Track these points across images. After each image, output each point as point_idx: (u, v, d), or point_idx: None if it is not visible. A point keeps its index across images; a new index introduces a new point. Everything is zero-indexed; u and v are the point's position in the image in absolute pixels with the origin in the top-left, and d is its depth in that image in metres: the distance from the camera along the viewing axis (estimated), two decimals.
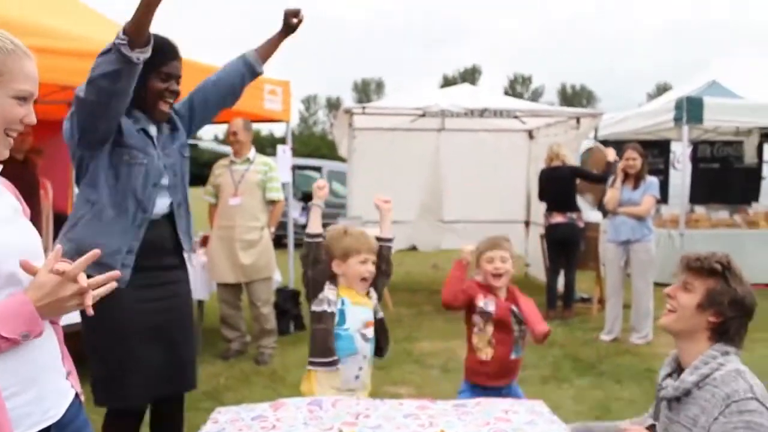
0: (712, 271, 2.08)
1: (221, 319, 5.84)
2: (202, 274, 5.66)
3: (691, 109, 8.24)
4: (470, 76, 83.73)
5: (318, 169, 15.64)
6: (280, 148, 6.76)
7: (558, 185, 7.24)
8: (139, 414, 2.89)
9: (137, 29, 2.27)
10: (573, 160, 7.73)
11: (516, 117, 8.96)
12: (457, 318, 7.18)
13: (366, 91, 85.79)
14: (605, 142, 11.66)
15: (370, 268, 2.89)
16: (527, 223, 9.89)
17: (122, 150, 2.65)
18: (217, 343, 5.94)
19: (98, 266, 2.45)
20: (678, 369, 2.18)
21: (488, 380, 3.20)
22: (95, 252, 1.57)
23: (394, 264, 3.16)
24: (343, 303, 2.87)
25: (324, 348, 2.80)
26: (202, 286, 5.65)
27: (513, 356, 3.21)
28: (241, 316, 5.87)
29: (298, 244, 8.82)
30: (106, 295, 2.56)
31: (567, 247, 7.23)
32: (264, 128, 55.49)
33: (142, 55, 2.34)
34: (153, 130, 2.78)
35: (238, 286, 5.72)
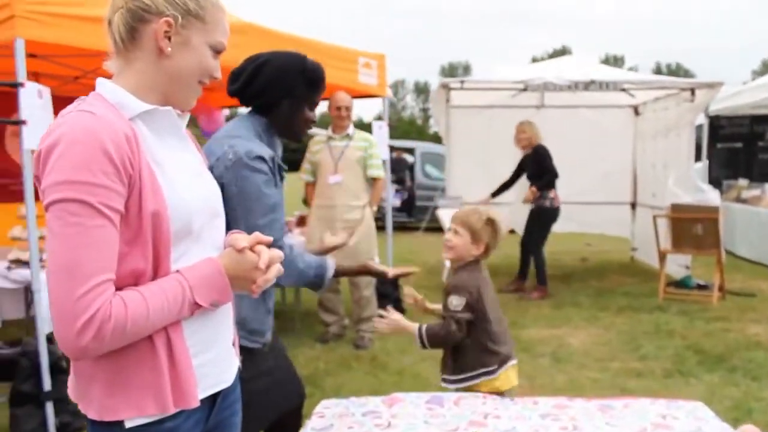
0: None
1: (319, 303, 5.64)
2: None
3: None
4: (560, 57, 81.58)
5: (411, 150, 15.32)
6: (375, 124, 6.44)
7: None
8: None
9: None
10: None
11: (623, 90, 8.41)
12: (563, 304, 6.81)
13: (453, 74, 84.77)
14: (717, 117, 10.94)
15: (445, 236, 2.90)
16: (633, 205, 9.34)
17: None
18: (314, 326, 5.76)
19: None
20: None
21: None
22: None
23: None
24: None
25: None
26: None
27: None
28: (340, 300, 5.66)
29: (395, 226, 8.56)
30: None
31: None
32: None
33: None
34: None
35: None
